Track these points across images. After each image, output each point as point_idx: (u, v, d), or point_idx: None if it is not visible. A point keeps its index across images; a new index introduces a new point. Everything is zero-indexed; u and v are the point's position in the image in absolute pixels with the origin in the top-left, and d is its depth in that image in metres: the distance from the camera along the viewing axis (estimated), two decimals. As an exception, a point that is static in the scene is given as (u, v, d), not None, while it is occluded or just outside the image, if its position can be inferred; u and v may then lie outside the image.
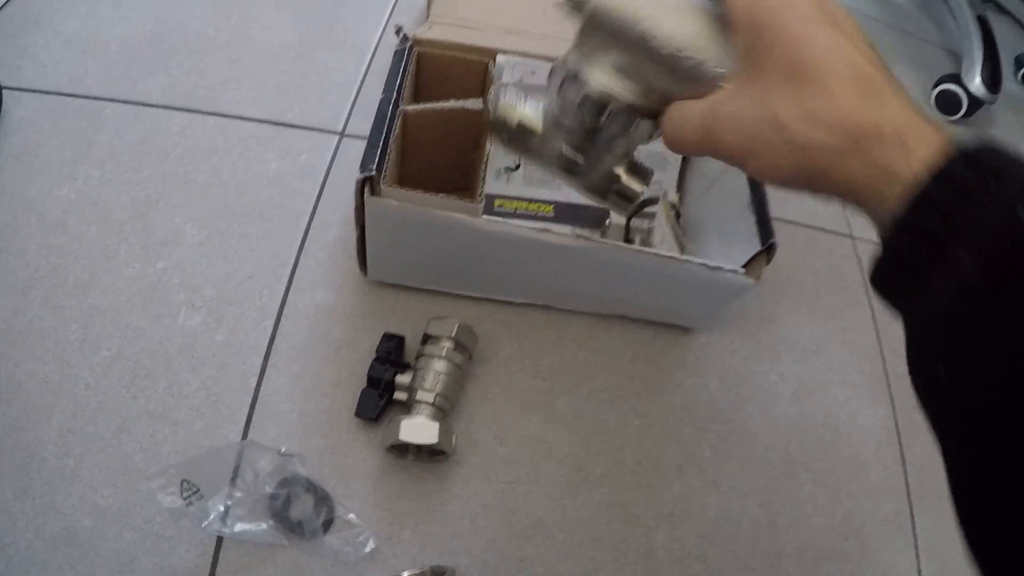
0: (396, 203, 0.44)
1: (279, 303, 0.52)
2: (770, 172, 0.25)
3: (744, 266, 0.49)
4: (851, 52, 0.24)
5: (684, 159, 0.62)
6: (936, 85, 0.92)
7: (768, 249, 0.49)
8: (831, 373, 0.60)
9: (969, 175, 0.21)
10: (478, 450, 0.49)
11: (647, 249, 0.47)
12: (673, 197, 0.60)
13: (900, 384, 0.63)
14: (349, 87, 0.65)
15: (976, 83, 0.87)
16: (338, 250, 0.54)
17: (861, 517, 0.56)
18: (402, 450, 0.47)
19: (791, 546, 0.53)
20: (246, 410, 0.48)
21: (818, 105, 0.23)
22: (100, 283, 0.51)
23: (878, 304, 0.68)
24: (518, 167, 0.57)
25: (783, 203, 0.72)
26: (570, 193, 0.59)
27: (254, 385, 0.49)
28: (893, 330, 0.67)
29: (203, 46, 0.65)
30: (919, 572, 0.56)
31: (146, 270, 0.52)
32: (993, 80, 0.87)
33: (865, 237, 0.69)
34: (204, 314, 0.51)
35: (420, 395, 0.46)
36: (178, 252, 0.53)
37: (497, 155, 0.56)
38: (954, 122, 0.93)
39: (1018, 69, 1.12)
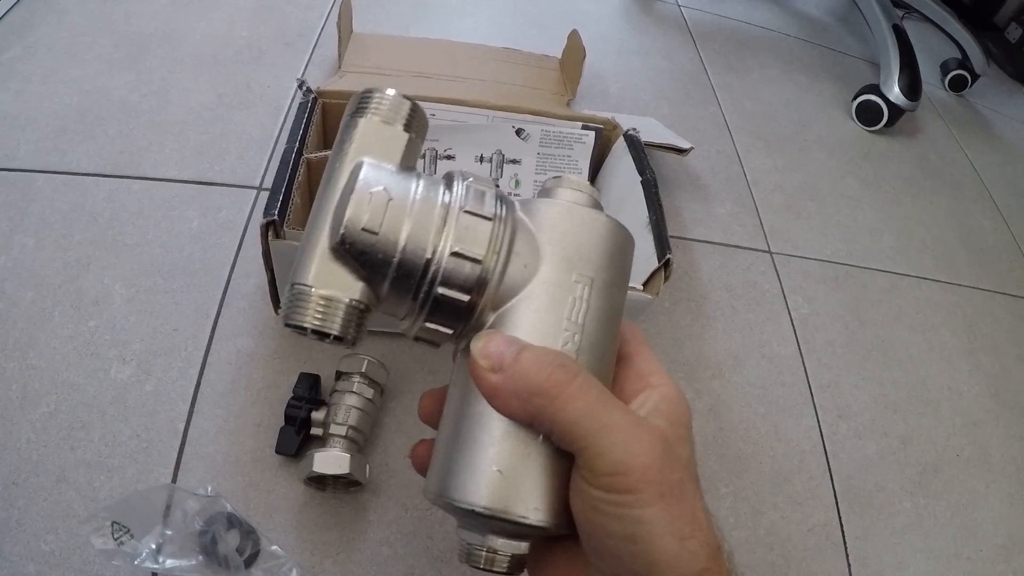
0: (298, 244, 0.54)
1: (203, 352, 0.62)
2: None
3: (643, 284, 0.59)
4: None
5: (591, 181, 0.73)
6: (856, 97, 1.04)
7: (665, 265, 0.59)
8: (750, 387, 0.70)
9: None
10: (395, 480, 0.58)
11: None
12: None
13: (824, 394, 0.72)
14: (266, 143, 0.76)
15: (895, 92, 0.99)
16: (258, 298, 0.65)
17: (787, 528, 0.65)
18: (320, 482, 0.56)
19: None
20: (175, 454, 0.57)
21: None
22: (37, 344, 0.60)
23: (798, 315, 0.78)
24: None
25: (697, 224, 0.83)
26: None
27: (182, 430, 0.58)
28: (815, 340, 0.77)
29: (127, 113, 0.76)
30: (852, 580, 0.65)
31: (79, 329, 0.62)
32: (912, 88, 0.98)
33: (783, 252, 0.80)
34: (134, 367, 0.61)
35: (333, 428, 0.55)
36: (108, 311, 0.63)
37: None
38: (877, 131, 1.05)
39: (945, 76, 1.25)
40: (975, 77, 1.26)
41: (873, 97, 1.02)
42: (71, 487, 0.55)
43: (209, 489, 0.56)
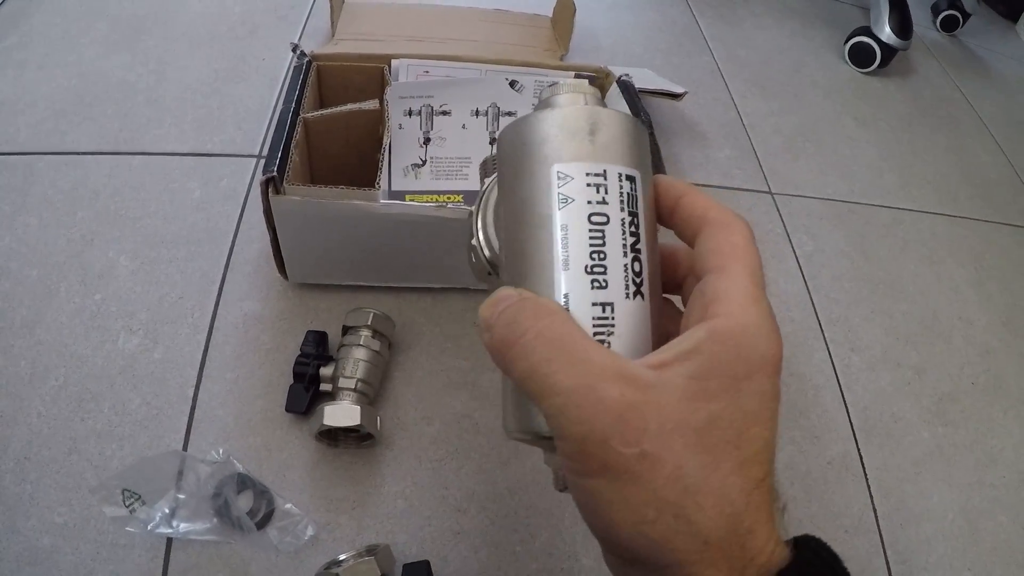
0: (298, 199, 0.50)
1: (210, 317, 0.59)
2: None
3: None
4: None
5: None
6: (848, 39, 0.99)
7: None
8: (759, 323, 0.66)
9: None
10: (407, 432, 0.55)
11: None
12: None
13: (834, 328, 0.68)
14: (263, 113, 0.72)
15: (886, 32, 0.94)
16: (262, 262, 0.61)
17: (806, 463, 0.61)
18: (331, 438, 0.53)
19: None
20: (186, 419, 0.54)
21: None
22: (44, 320, 0.58)
23: (803, 252, 0.74)
24: (424, 163, 0.64)
25: (696, 168, 0.79)
26: (478, 181, 0.66)
27: (191, 395, 0.55)
28: (821, 277, 0.72)
29: (124, 92, 0.73)
30: (874, 511, 0.61)
31: (85, 303, 0.59)
32: (902, 27, 0.93)
33: (784, 192, 0.75)
34: (141, 336, 0.58)
35: (342, 383, 0.52)
36: (114, 283, 0.60)
37: (400, 153, 0.63)
38: (871, 73, 1.00)
39: (936, 16, 1.19)
40: (966, 16, 1.20)
41: (865, 39, 0.97)
42: (83, 458, 0.52)
43: (221, 451, 0.53)
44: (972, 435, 0.68)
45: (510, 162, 0.28)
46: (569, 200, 0.25)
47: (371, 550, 0.48)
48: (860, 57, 0.99)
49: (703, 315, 0.25)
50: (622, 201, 0.26)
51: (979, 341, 0.75)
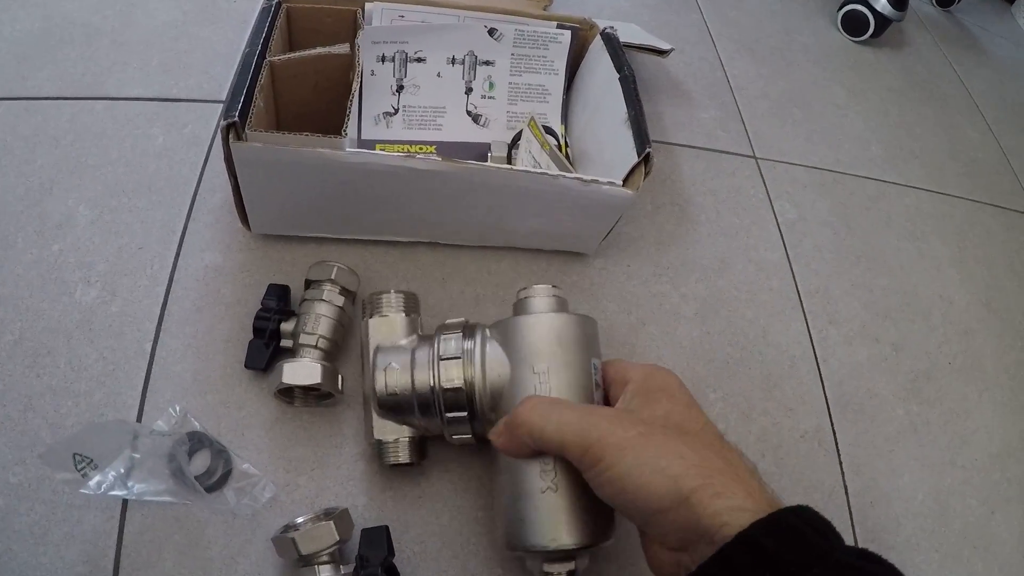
0: (260, 145, 0.47)
1: (170, 269, 0.56)
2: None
3: (623, 180, 0.53)
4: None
5: (567, 91, 0.65)
6: (841, 7, 0.95)
7: (645, 160, 0.52)
8: (737, 292, 0.63)
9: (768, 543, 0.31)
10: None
11: (514, 167, 0.50)
12: (560, 129, 0.64)
13: (813, 300, 0.66)
14: (232, 57, 0.67)
15: (882, 2, 0.90)
16: (225, 212, 0.58)
17: (778, 435, 0.59)
18: (291, 395, 0.50)
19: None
20: (143, 375, 0.51)
21: None
22: (1, 272, 0.55)
23: (785, 220, 0.71)
24: (397, 112, 0.61)
25: (680, 128, 0.76)
26: (452, 131, 0.62)
27: (149, 350, 0.53)
28: (802, 246, 0.70)
29: (89, 35, 0.69)
30: (845, 487, 0.59)
31: (43, 254, 0.56)
32: (898, -2, 0.90)
33: (769, 157, 0.73)
34: (99, 288, 0.55)
35: (303, 339, 0.49)
36: (72, 233, 0.57)
37: (372, 101, 0.60)
38: (863, 42, 0.97)
39: None
40: (963, -8, 1.17)
41: (859, 7, 0.93)
42: (38, 415, 0.49)
43: (178, 409, 0.50)
44: (946, 415, 0.66)
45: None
46: None
47: (328, 513, 0.46)
48: (853, 25, 0.95)
49: (624, 382, 0.42)
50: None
51: (958, 321, 0.73)
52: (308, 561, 0.43)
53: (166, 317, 0.54)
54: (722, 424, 0.58)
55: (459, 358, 0.44)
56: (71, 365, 0.51)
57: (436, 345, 0.45)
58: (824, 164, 0.79)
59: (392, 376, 0.45)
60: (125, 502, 0.47)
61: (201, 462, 0.49)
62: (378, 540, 0.45)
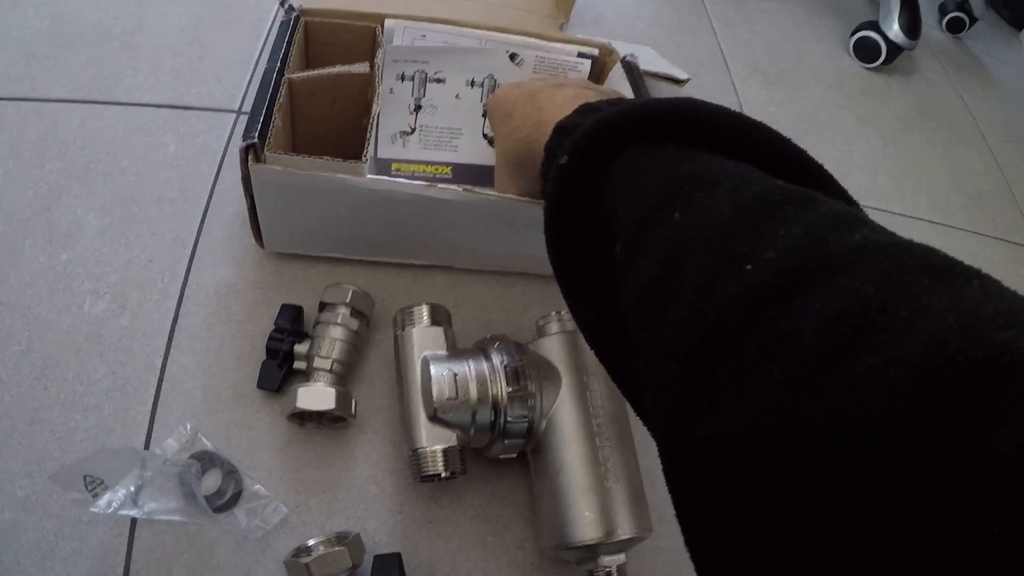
0: (280, 168, 0.47)
1: (181, 283, 0.55)
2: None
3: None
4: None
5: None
6: (854, 33, 0.96)
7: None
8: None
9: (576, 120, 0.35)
10: (382, 415, 0.52)
11: (532, 200, 0.50)
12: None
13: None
14: (245, 66, 0.68)
15: (894, 30, 0.91)
16: (237, 226, 0.58)
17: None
18: (304, 418, 0.50)
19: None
20: (153, 390, 0.51)
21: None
22: (7, 280, 0.54)
23: None
24: (414, 131, 0.61)
25: None
26: (468, 153, 0.62)
27: (159, 366, 0.52)
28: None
29: (100, 36, 0.68)
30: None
31: (51, 262, 0.55)
32: (911, 26, 0.91)
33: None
34: (108, 300, 0.54)
35: (317, 362, 0.50)
36: (81, 243, 0.56)
37: (389, 119, 0.59)
38: (874, 69, 0.97)
39: (942, 17, 1.16)
40: (973, 20, 1.17)
41: (872, 34, 0.94)
42: (46, 428, 0.49)
43: (188, 427, 0.50)
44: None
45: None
46: None
47: (341, 538, 0.46)
48: (865, 52, 0.96)
49: None
50: None
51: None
52: None
53: (176, 333, 0.54)
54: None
55: (523, 365, 0.47)
56: (79, 378, 0.51)
57: (496, 361, 0.47)
58: (834, 192, 0.79)
59: (450, 381, 0.46)
60: (134, 520, 0.47)
61: (211, 482, 0.49)
62: (390, 567, 0.45)
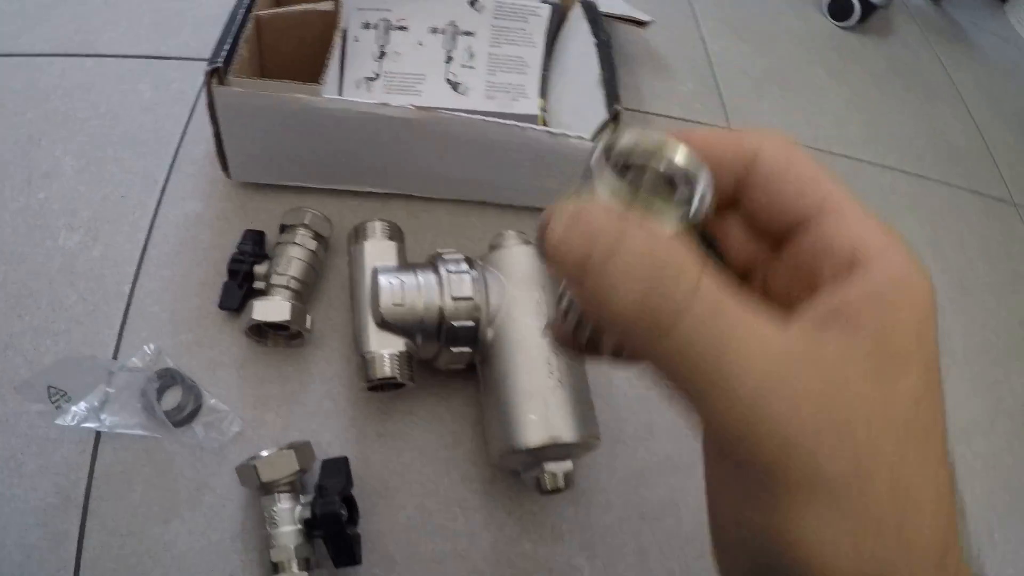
0: (241, 90, 0.49)
1: (151, 216, 0.57)
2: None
3: (592, 136, 0.54)
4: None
5: (547, 60, 0.66)
6: (827, -11, 0.96)
7: (614, 118, 0.54)
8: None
9: None
10: (339, 333, 0.53)
11: (486, 118, 0.52)
12: (539, 102, 0.65)
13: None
14: (222, 18, 0.69)
15: (868, -15, 0.91)
16: (207, 164, 0.59)
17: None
18: (262, 334, 0.52)
19: (662, 418, 0.57)
20: (120, 315, 0.53)
21: None
22: (-13, 220, 0.56)
23: None
24: (378, 77, 0.62)
25: (656, 99, 0.77)
26: (431, 98, 0.64)
27: (127, 292, 0.54)
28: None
29: (83, -6, 0.71)
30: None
31: (29, 201, 0.57)
32: (886, -18, 0.91)
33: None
34: (82, 234, 0.56)
35: (274, 279, 0.51)
36: (58, 182, 0.58)
37: (355, 65, 0.61)
38: (848, 28, 0.97)
39: None
40: (952, -13, 1.18)
41: (846, -8, 0.94)
42: (18, 353, 0.51)
43: (152, 347, 0.51)
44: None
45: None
46: None
47: (294, 446, 0.47)
48: (838, 9, 0.97)
49: (838, 272, 0.19)
50: None
51: (930, 301, 0.73)
52: (269, 489, 0.44)
53: (145, 261, 0.55)
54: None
55: (469, 273, 0.48)
56: (51, 306, 0.53)
57: (443, 271, 0.48)
58: (801, 139, 0.79)
59: (397, 288, 0.46)
60: (98, 436, 0.48)
61: (172, 398, 0.50)
62: (337, 471, 0.46)
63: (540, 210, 0.65)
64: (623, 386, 0.57)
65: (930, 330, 0.18)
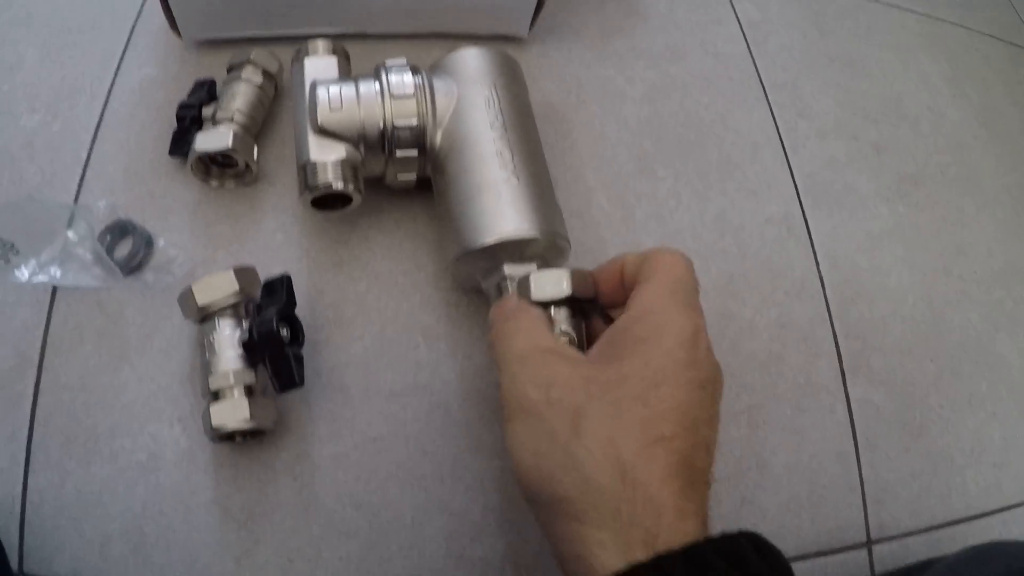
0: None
1: (108, 85, 0.55)
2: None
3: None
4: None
5: None
6: None
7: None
8: (691, 78, 0.59)
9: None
10: (291, 171, 0.50)
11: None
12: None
13: (779, 93, 0.61)
14: None
15: None
16: (162, 35, 0.57)
17: (739, 217, 0.55)
18: (209, 173, 0.49)
19: (651, 239, 0.52)
20: (78, 178, 0.51)
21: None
22: (-50, 119, 0.56)
23: (747, 20, 0.66)
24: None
25: None
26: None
27: (84, 157, 0.52)
28: (767, 44, 0.65)
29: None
30: (820, 278, 0.55)
31: (-7, 95, 0.57)
32: None
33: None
34: (43, 113, 0.54)
35: (220, 114, 0.48)
36: (21, 73, 0.57)
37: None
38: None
39: None
40: None
41: None
42: (-21, 228, 0.49)
43: (104, 203, 0.49)
44: (939, 222, 0.60)
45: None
46: None
47: (233, 270, 0.44)
48: None
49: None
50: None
51: (951, 134, 0.66)
52: (208, 315, 0.41)
53: (102, 126, 0.53)
54: (672, 201, 0.54)
55: (409, 70, 0.45)
56: (12, 181, 0.51)
57: (385, 76, 0.44)
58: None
59: (334, 93, 0.43)
60: (54, 294, 0.47)
61: (125, 248, 0.48)
62: (277, 289, 0.42)
63: (506, 41, 0.61)
64: (605, 206, 0.52)
65: (663, 340, 0.29)
